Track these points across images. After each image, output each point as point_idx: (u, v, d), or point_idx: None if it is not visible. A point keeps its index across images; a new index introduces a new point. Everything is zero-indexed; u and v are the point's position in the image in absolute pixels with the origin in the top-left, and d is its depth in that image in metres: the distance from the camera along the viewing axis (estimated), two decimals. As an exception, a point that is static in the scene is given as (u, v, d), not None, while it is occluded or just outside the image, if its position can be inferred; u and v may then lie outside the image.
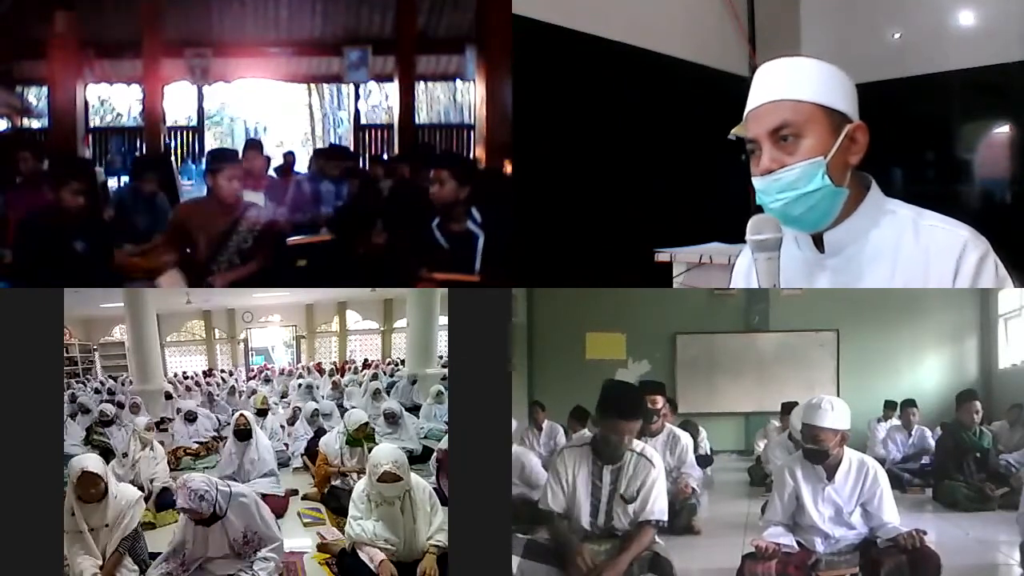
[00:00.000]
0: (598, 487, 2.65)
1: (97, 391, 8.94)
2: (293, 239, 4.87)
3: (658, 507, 2.63)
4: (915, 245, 1.72)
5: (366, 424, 4.56)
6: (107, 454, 5.11)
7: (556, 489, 2.67)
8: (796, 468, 2.69)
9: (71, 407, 6.97)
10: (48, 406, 2.56)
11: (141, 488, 4.41)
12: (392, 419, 5.50)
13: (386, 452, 3.07)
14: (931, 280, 1.70)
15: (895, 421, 5.43)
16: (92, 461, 3.05)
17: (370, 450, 3.54)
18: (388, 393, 7.72)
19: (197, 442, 6.30)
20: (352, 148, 11.33)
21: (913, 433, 5.12)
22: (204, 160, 6.62)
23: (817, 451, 2.61)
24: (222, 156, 4.05)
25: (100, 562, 2.97)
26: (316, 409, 6.08)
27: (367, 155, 10.95)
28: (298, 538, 3.91)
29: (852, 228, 1.77)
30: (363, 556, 2.97)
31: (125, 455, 4.62)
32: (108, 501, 3.01)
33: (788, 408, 4.85)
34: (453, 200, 3.69)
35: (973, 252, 1.67)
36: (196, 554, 3.00)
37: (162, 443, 5.04)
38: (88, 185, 4.05)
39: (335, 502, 4.20)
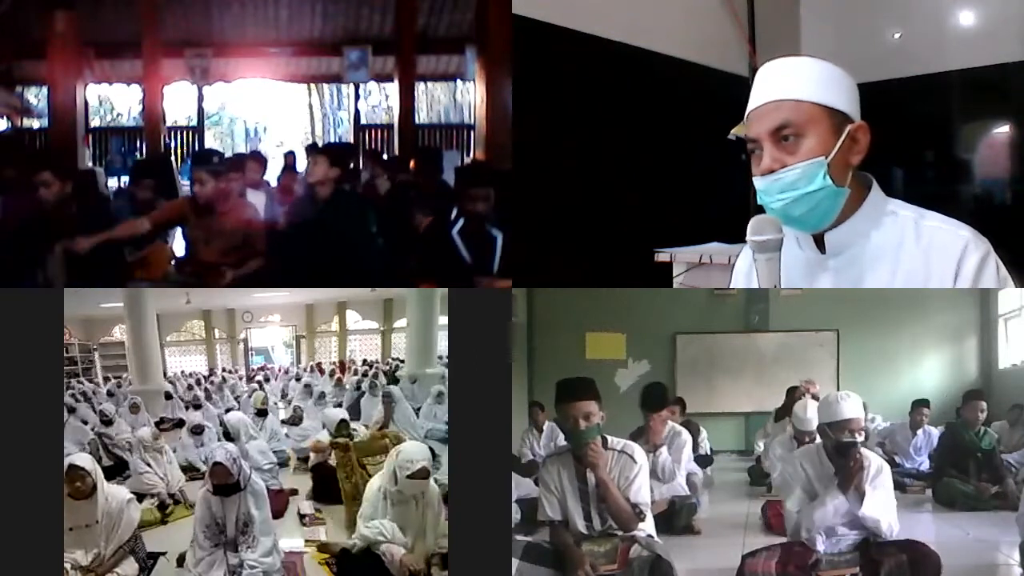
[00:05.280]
0: (585, 491, 2.64)
1: (95, 393, 8.93)
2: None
3: (640, 497, 2.62)
4: (916, 246, 1.72)
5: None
6: (122, 467, 5.08)
7: (549, 498, 2.67)
8: (806, 464, 2.69)
9: (74, 406, 6.94)
10: (48, 406, 2.56)
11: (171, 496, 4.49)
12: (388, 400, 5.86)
13: (418, 449, 3.07)
14: (932, 281, 1.69)
15: (897, 421, 5.40)
16: (79, 457, 3.09)
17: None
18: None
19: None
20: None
21: (919, 434, 5.07)
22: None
23: (851, 444, 2.60)
24: (200, 159, 4.18)
25: (89, 556, 3.00)
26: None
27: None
28: (297, 538, 3.91)
29: (853, 228, 1.77)
30: (384, 557, 2.96)
31: (142, 473, 4.57)
32: (96, 499, 3.03)
33: (792, 393, 4.87)
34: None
35: (974, 253, 1.67)
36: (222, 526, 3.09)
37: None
38: (64, 174, 4.13)
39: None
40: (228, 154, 11.76)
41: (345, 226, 4.01)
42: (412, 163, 5.53)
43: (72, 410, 6.78)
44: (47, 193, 3.96)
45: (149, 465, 4.57)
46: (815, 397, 4.27)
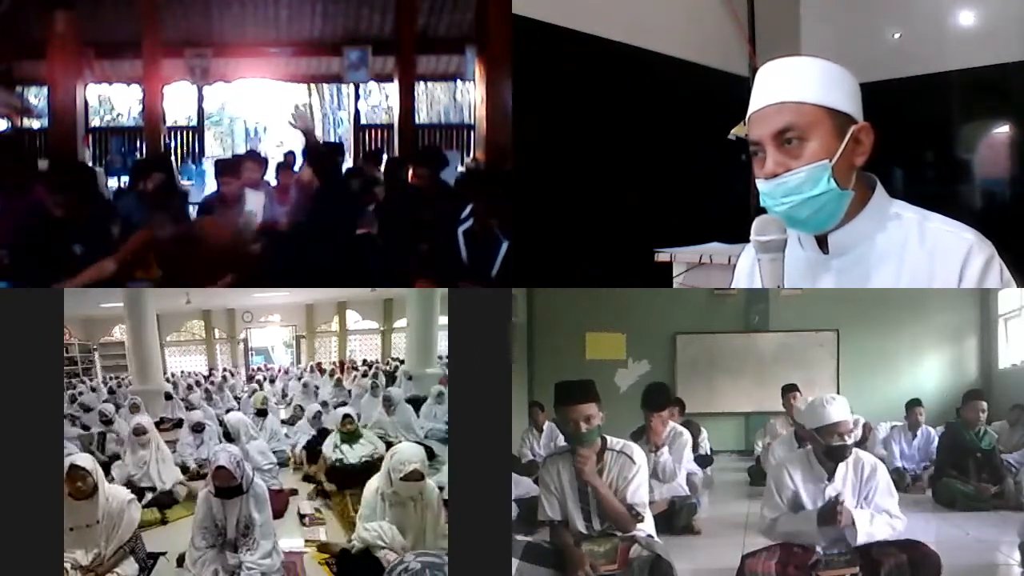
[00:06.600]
0: (585, 491, 2.65)
1: (94, 390, 8.93)
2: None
3: (638, 497, 2.63)
4: (920, 248, 1.71)
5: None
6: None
7: (549, 498, 2.68)
8: (796, 470, 2.68)
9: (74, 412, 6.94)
10: (48, 406, 2.56)
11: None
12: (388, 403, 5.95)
13: (413, 451, 3.08)
14: (936, 283, 1.68)
15: (896, 422, 5.39)
16: (80, 457, 3.11)
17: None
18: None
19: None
20: (352, 148, 11.35)
21: (919, 434, 5.06)
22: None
23: (843, 447, 2.60)
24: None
25: (89, 556, 3.01)
26: (319, 411, 6.09)
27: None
28: (297, 538, 3.91)
29: (857, 230, 1.76)
30: (383, 563, 2.96)
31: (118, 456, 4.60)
32: (98, 499, 3.03)
33: (787, 392, 4.87)
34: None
35: (978, 256, 1.66)
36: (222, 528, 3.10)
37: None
38: (82, 194, 4.07)
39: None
40: (229, 154, 11.77)
41: (334, 224, 4.01)
42: (411, 163, 5.52)
43: (88, 407, 6.81)
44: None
45: (118, 457, 4.58)
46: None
